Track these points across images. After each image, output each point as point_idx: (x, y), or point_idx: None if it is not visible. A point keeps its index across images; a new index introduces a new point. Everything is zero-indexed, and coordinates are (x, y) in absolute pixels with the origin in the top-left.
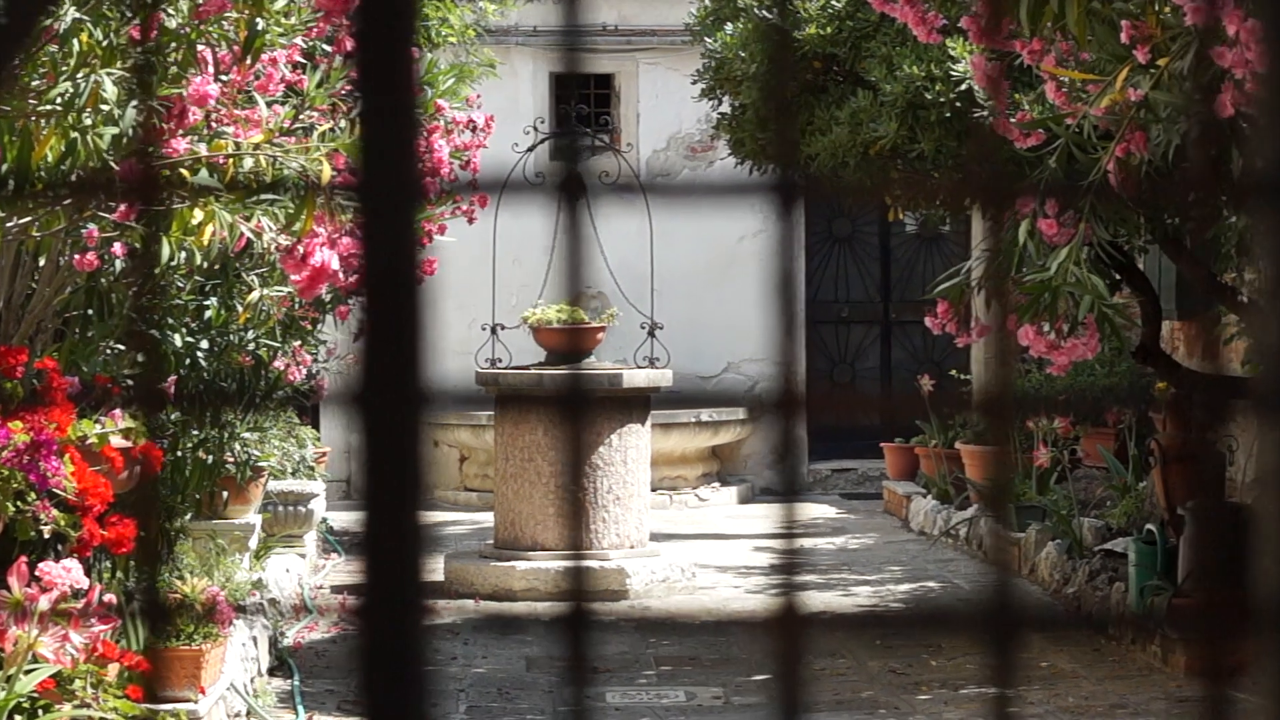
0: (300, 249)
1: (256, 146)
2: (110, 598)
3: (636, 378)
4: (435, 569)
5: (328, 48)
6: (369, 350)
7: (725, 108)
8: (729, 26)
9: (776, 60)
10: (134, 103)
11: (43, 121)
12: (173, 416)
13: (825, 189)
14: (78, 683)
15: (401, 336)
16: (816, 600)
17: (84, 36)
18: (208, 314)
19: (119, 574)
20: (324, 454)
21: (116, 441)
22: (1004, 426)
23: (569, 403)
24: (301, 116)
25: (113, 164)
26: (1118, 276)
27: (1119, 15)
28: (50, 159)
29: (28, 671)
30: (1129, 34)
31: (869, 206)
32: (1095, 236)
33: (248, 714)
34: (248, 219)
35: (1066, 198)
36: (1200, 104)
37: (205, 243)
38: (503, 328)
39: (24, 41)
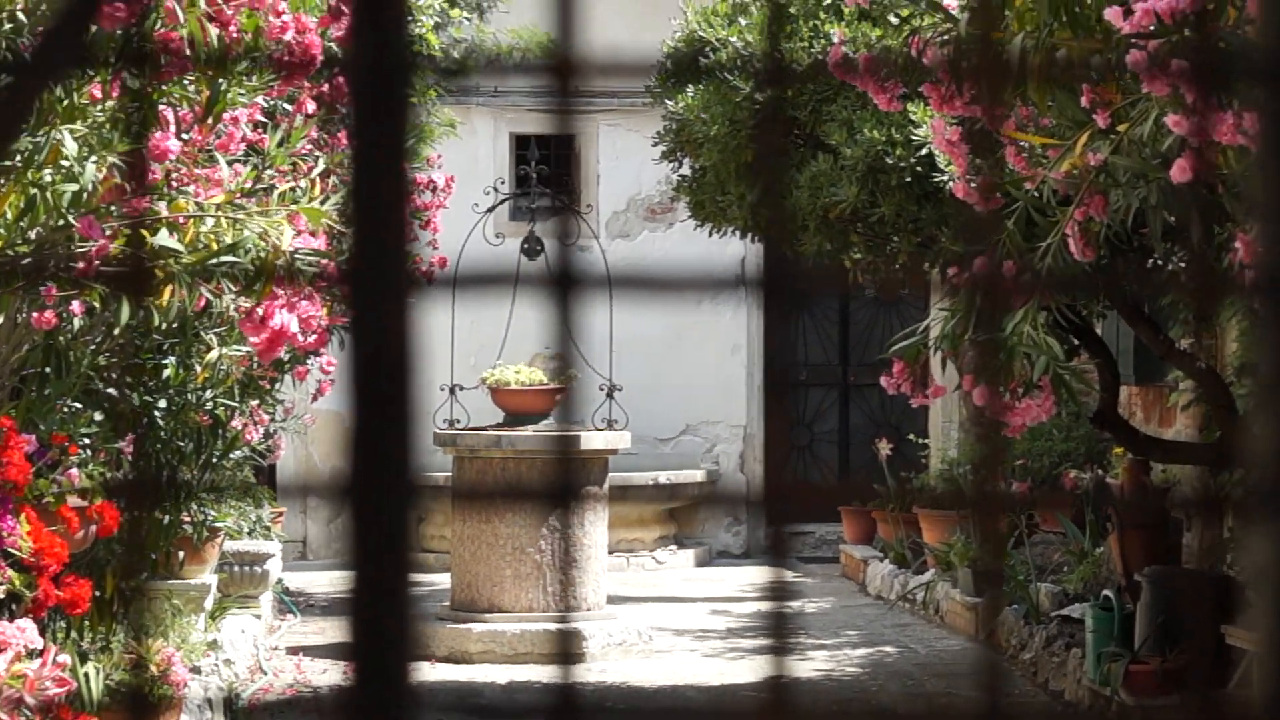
0: (260, 311)
1: (218, 207)
2: (65, 659)
3: (594, 440)
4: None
5: (288, 107)
6: (357, 439)
7: (686, 170)
8: (690, 89)
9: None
10: (94, 159)
11: (1, 179)
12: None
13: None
14: None
15: (389, 427)
16: (772, 665)
17: (44, 94)
18: (166, 373)
19: (74, 634)
20: (280, 514)
21: (73, 501)
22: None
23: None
24: (263, 176)
25: (73, 221)
26: (1075, 341)
27: (1079, 81)
28: (9, 216)
29: None
30: (1089, 99)
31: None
32: (1052, 300)
33: None
34: (208, 280)
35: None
36: (1159, 169)
37: (164, 303)
38: (461, 388)
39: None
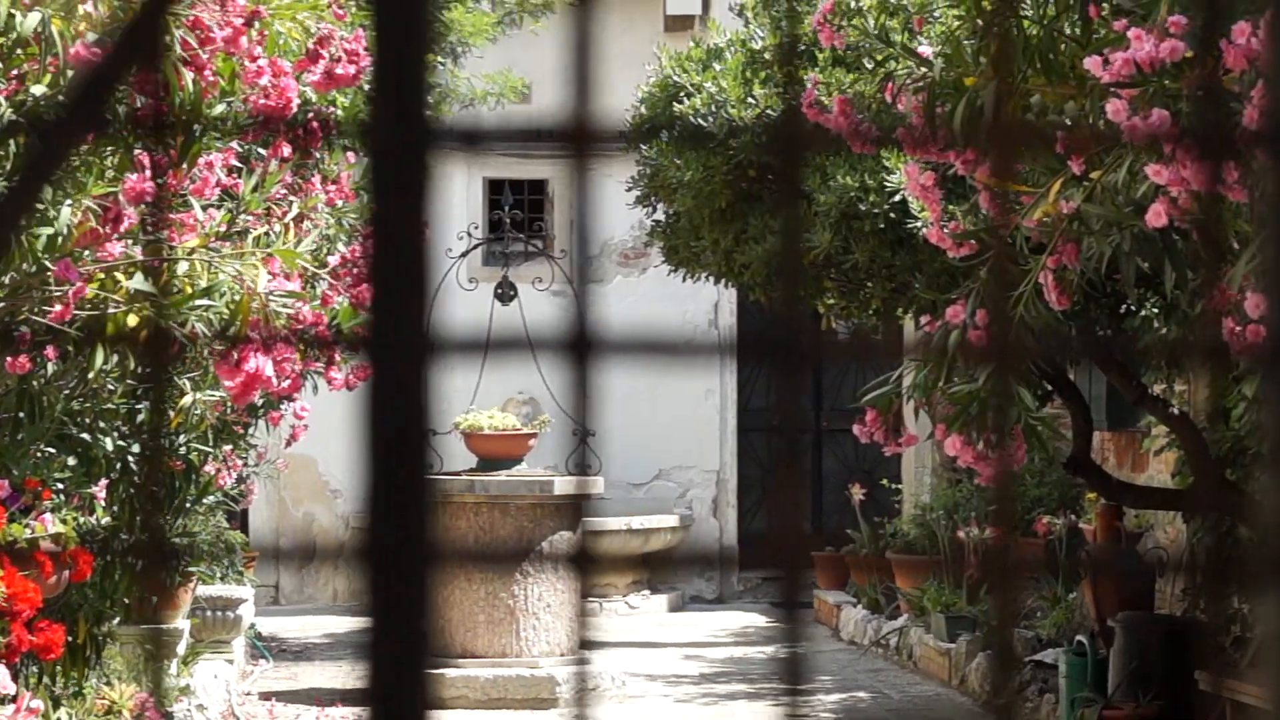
0: (234, 355)
1: (191, 251)
2: (38, 704)
3: (567, 485)
4: (363, 676)
5: (263, 151)
6: (375, 508)
7: (659, 215)
8: (664, 134)
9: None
10: (69, 203)
11: None
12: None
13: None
14: None
15: (410, 496)
16: (745, 711)
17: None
18: (140, 418)
19: (46, 680)
20: (252, 558)
21: (46, 546)
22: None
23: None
24: (237, 220)
25: (49, 265)
26: (1048, 388)
27: (1053, 127)
28: None
29: None
30: (1063, 145)
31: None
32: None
33: None
34: (182, 324)
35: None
36: (1133, 216)
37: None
38: (434, 433)
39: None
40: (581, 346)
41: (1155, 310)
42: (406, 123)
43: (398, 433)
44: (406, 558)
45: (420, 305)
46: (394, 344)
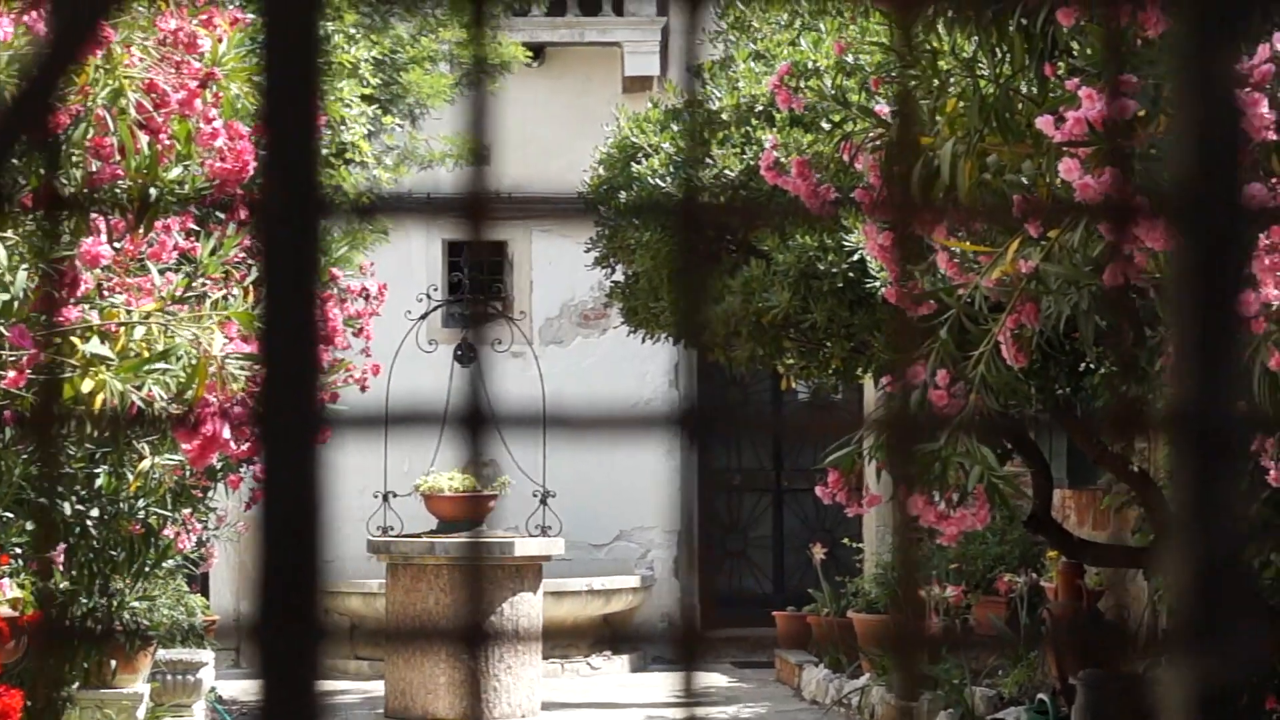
0: (192, 418)
1: (148, 315)
2: None
3: (528, 546)
4: None
5: (221, 215)
6: (264, 580)
7: (619, 276)
8: (622, 195)
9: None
10: (24, 267)
11: None
12: (61, 585)
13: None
14: None
15: (300, 569)
16: None
17: None
18: (98, 482)
19: None
20: (213, 622)
21: (4, 611)
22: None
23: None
24: (195, 284)
25: (3, 331)
26: (1008, 445)
27: (1010, 187)
28: None
29: None
30: (1020, 206)
31: (762, 375)
32: (986, 407)
33: None
34: (139, 388)
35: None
36: (1091, 275)
37: (96, 411)
38: (395, 495)
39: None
40: (475, 421)
41: (1114, 369)
42: (297, 194)
43: (288, 512)
44: (296, 636)
45: (312, 383)
46: (284, 423)
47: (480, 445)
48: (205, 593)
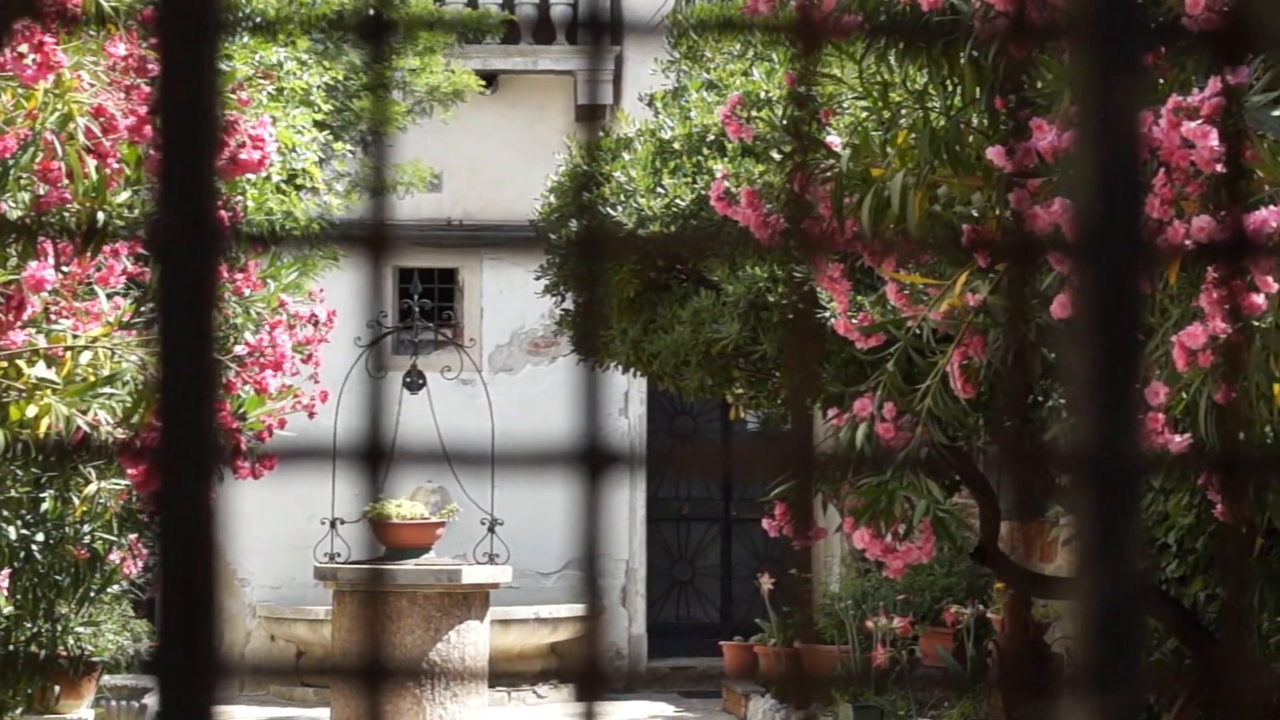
0: (137, 443)
1: (95, 339)
2: None
3: (475, 574)
4: None
5: None
6: (164, 613)
7: (569, 304)
8: (573, 223)
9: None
10: None
11: None
12: (5, 610)
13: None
14: None
15: (197, 601)
16: None
17: None
18: (44, 506)
19: None
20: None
21: None
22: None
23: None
24: (142, 309)
25: None
26: (956, 477)
27: (960, 219)
28: None
29: None
30: (969, 238)
31: (712, 404)
32: (933, 439)
33: None
34: (85, 412)
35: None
36: (1038, 308)
37: (41, 435)
38: (342, 522)
39: None
40: (373, 455)
41: (1063, 401)
42: (193, 223)
43: (184, 544)
44: (195, 667)
45: (209, 419)
46: (178, 459)
47: (380, 478)
48: (152, 618)
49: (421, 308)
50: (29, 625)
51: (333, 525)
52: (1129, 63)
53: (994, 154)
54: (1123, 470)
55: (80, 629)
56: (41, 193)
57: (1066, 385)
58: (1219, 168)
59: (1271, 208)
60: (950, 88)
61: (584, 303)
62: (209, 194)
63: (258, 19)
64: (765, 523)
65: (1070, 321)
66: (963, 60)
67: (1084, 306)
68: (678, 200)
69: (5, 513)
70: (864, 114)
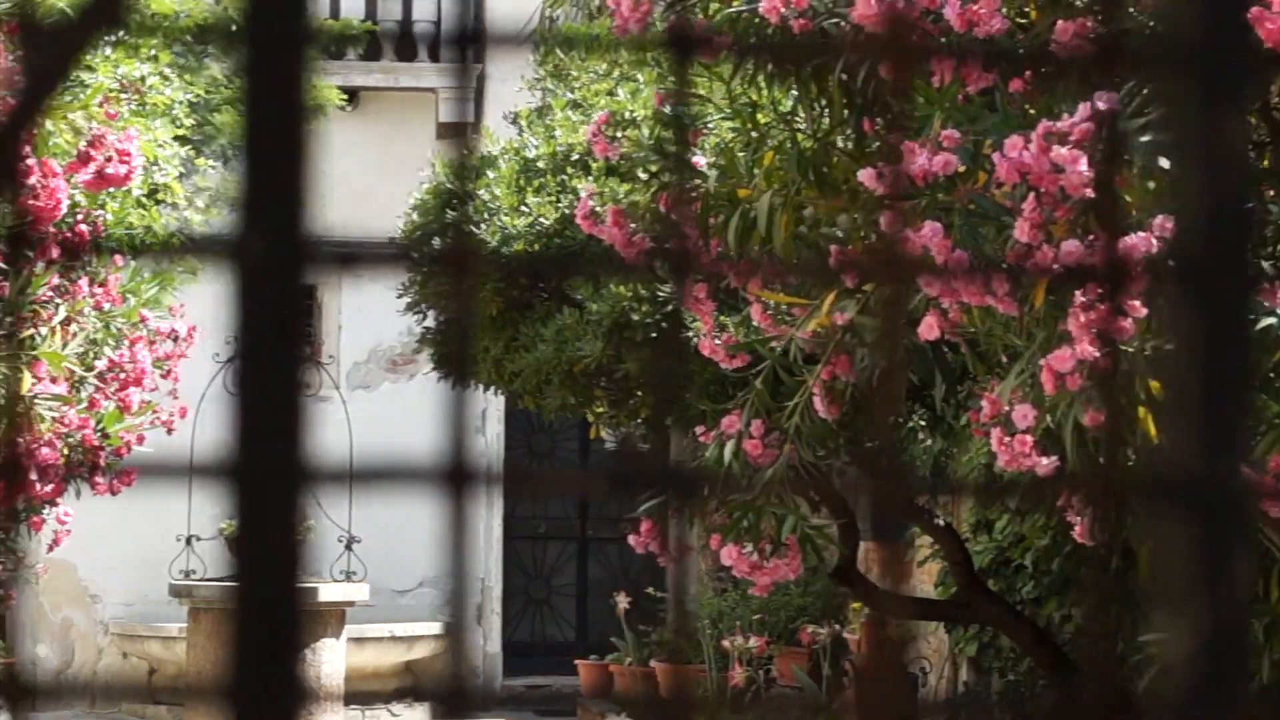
0: None
1: None
2: None
3: (332, 591)
4: None
5: (29, 253)
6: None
7: (429, 322)
8: (435, 241)
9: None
10: None
11: None
12: None
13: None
14: None
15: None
16: None
17: None
18: None
19: None
20: (10, 664)
21: None
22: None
23: None
24: (3, 323)
25: None
26: (815, 497)
27: (826, 240)
28: None
29: None
30: (836, 259)
31: (570, 422)
32: (799, 457)
33: None
34: None
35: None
36: (906, 329)
37: None
38: (198, 538)
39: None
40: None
41: (922, 422)
42: (284, 240)
43: (269, 558)
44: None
45: (296, 435)
46: (262, 474)
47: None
48: (2, 634)
49: None
50: None
51: (188, 542)
52: (1233, 88)
53: (865, 177)
54: (1229, 497)
55: None
56: None
57: (1166, 410)
58: (1088, 192)
59: (1140, 233)
60: (818, 110)
61: (449, 321)
62: (301, 205)
63: (122, 33)
64: (631, 539)
65: (1174, 347)
66: (831, 83)
67: (1189, 332)
68: (541, 219)
69: None
70: (731, 134)
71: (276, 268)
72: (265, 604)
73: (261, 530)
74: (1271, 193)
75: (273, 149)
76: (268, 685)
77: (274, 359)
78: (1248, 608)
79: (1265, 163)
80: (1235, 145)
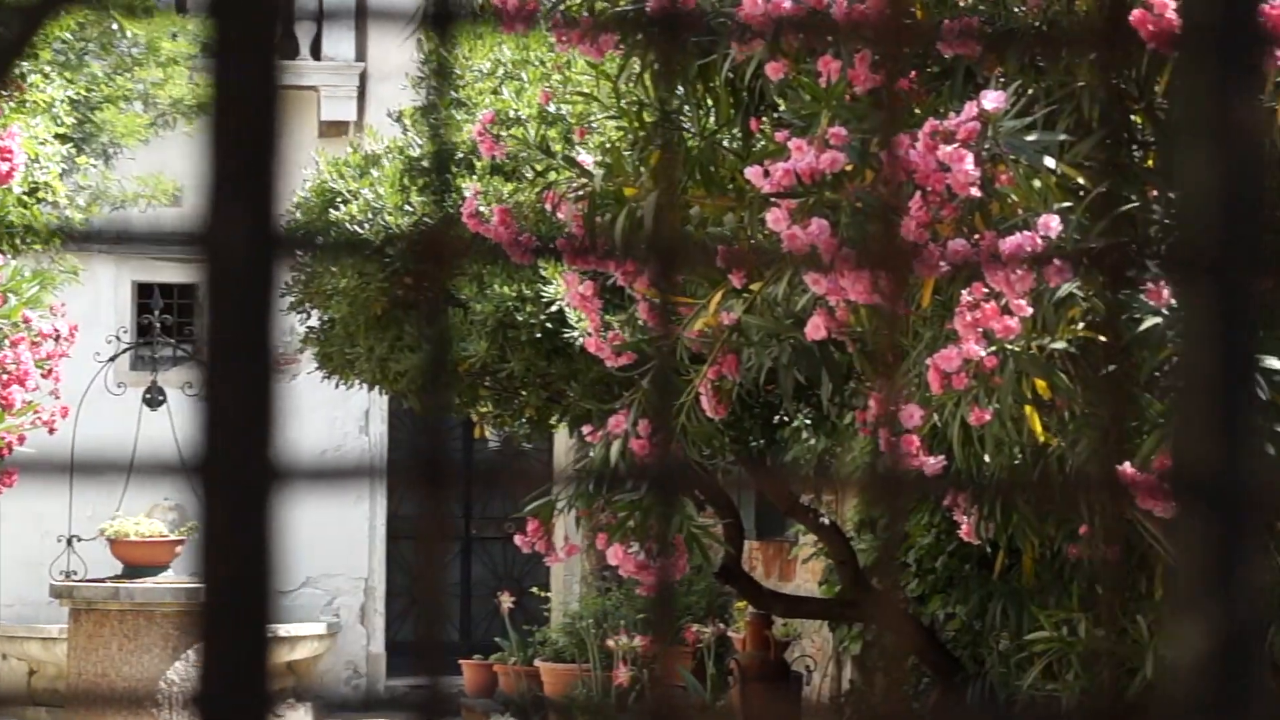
0: None
1: None
2: None
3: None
4: None
5: None
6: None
7: (314, 321)
8: (319, 240)
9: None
10: None
11: None
12: None
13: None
14: None
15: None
16: None
17: None
18: None
19: None
20: None
21: None
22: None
23: None
24: None
25: None
26: (700, 496)
27: (714, 239)
28: None
29: None
30: (724, 258)
31: (454, 422)
32: (686, 456)
33: None
34: None
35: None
36: (792, 328)
37: None
38: (79, 539)
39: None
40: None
41: (808, 421)
42: (260, 229)
43: (233, 563)
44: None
45: (270, 432)
46: (234, 473)
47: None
48: None
49: (162, 323)
50: None
51: (69, 543)
52: (1249, 68)
53: (752, 174)
54: (1244, 493)
55: None
56: None
57: (1175, 403)
58: (974, 191)
59: (1026, 232)
60: (704, 109)
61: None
62: (273, 196)
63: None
64: (517, 539)
65: (1185, 338)
66: (718, 82)
67: (1202, 323)
68: (426, 219)
69: None
70: (618, 133)
71: (254, 257)
72: (236, 611)
73: (232, 533)
74: (1155, 193)
75: (243, 133)
76: (237, 695)
77: (248, 353)
78: (1264, 610)
79: (1149, 162)
80: (1251, 126)
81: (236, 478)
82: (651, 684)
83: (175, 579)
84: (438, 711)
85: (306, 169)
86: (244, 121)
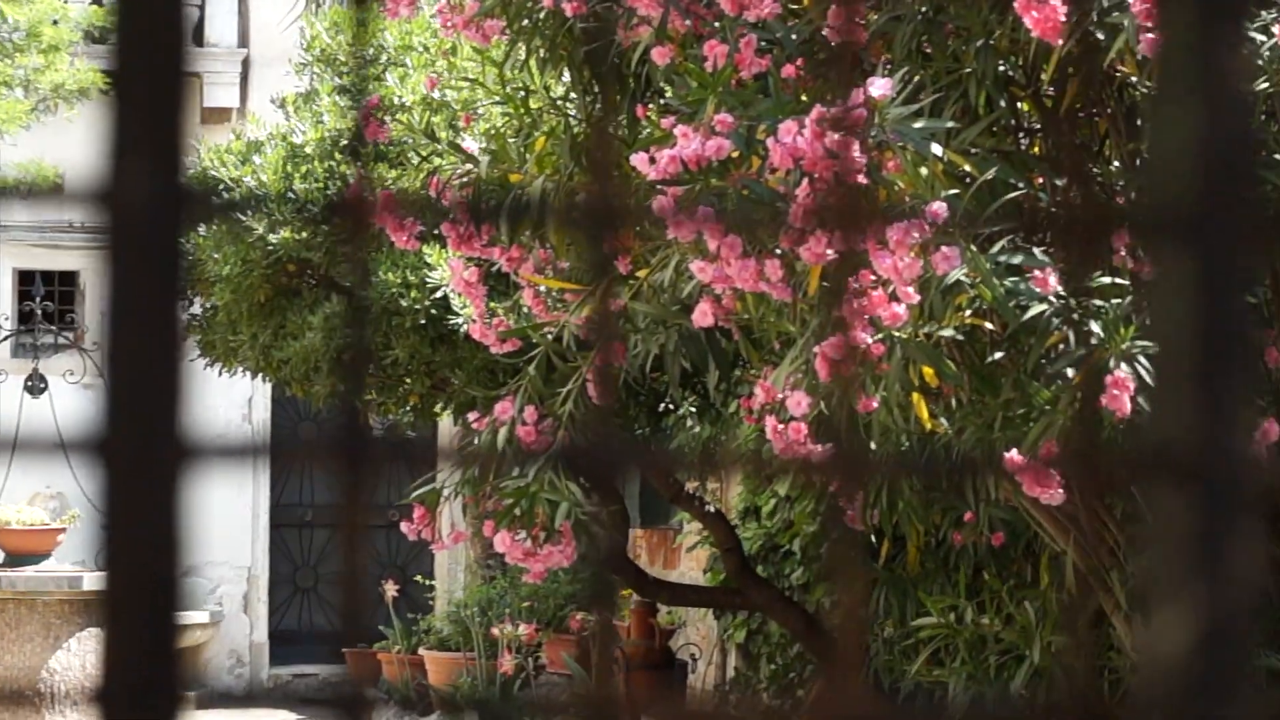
0: None
1: None
2: None
3: (97, 580)
4: None
5: None
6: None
7: (196, 309)
8: (202, 227)
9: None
10: None
11: None
12: None
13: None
14: None
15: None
16: None
17: None
18: None
19: None
20: None
21: None
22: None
23: None
24: None
25: None
26: (585, 484)
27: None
28: None
29: None
30: (609, 245)
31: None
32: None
33: None
34: None
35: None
36: (679, 315)
37: None
38: None
39: None
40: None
41: (693, 409)
42: (166, 186)
43: (145, 545)
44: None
45: (176, 406)
46: (139, 450)
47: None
48: None
49: (43, 310)
50: None
51: None
52: (1234, 14)
53: (638, 161)
54: (1230, 471)
55: None
56: None
57: (1156, 380)
58: (861, 178)
59: (913, 219)
60: (591, 95)
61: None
62: (178, 156)
63: None
64: (404, 526)
65: (1164, 308)
66: (604, 68)
67: (1183, 292)
68: (310, 205)
69: None
70: (503, 119)
71: (159, 216)
72: (140, 598)
73: (136, 514)
74: (1041, 180)
75: (148, 88)
76: (142, 689)
77: (152, 320)
78: (1252, 597)
79: (1035, 149)
80: (1239, 78)
81: (141, 455)
82: (538, 670)
83: (57, 568)
84: (359, 703)
85: (188, 156)
86: (151, 74)
